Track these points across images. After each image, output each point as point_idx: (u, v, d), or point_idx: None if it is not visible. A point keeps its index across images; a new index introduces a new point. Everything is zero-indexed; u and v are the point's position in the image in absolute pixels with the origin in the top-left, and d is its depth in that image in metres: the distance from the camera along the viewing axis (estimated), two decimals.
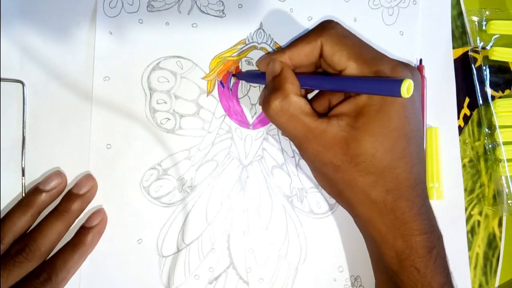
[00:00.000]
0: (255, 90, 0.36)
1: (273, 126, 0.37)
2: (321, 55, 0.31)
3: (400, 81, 0.25)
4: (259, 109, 0.37)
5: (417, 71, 0.31)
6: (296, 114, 0.29)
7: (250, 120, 0.37)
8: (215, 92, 0.36)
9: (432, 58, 0.39)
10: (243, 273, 0.36)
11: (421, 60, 0.38)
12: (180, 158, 0.36)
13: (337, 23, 0.31)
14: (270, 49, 0.37)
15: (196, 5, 0.36)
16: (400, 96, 0.25)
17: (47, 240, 0.32)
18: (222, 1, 0.36)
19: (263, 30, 0.37)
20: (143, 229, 0.35)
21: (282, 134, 0.37)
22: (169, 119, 0.36)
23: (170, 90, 0.36)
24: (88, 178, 0.34)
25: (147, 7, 0.36)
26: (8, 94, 0.35)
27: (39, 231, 0.32)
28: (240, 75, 0.36)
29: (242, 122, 0.36)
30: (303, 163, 0.37)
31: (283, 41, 0.37)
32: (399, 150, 0.28)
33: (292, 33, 0.37)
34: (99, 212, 0.34)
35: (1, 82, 0.35)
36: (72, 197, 0.33)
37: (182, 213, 0.35)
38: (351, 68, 0.29)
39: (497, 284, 0.39)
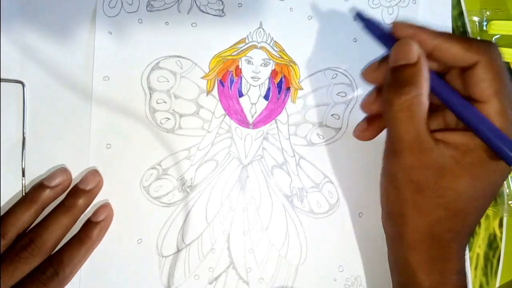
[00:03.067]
0: (255, 90, 0.36)
1: (273, 126, 0.37)
2: (465, 69, 0.27)
3: None
4: (259, 108, 0.36)
5: None
6: (418, 119, 0.26)
7: (250, 119, 0.36)
8: (215, 91, 0.36)
9: None
10: (243, 273, 0.35)
11: None
12: (180, 157, 0.36)
13: (500, 53, 0.28)
14: (270, 49, 0.36)
15: (196, 4, 0.36)
16: (509, 166, 0.26)
17: (52, 235, 0.32)
18: (221, 0, 0.36)
19: (263, 29, 0.37)
20: (143, 229, 0.35)
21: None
22: (168, 118, 0.36)
23: (170, 90, 0.36)
24: (94, 173, 0.34)
25: (146, 6, 0.36)
26: (8, 94, 0.35)
27: (44, 226, 0.32)
28: (369, 26, 0.30)
29: (242, 121, 0.36)
30: (303, 162, 0.37)
31: (283, 40, 0.37)
32: (484, 200, 0.29)
33: (292, 32, 0.37)
34: (106, 206, 0.34)
35: (1, 83, 0.35)
36: (79, 192, 0.33)
37: (182, 213, 0.35)
38: (493, 106, 0.26)
39: (497, 284, 0.38)
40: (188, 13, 0.36)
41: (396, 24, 0.28)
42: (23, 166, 0.34)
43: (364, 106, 0.31)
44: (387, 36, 0.29)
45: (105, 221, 0.34)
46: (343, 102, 0.37)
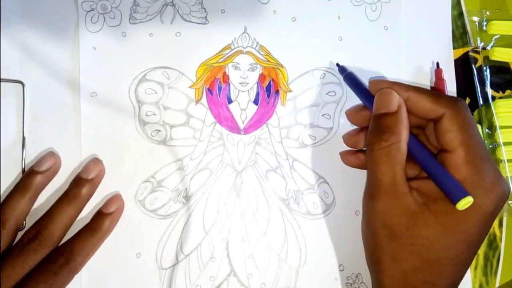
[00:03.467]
0: (244, 95, 0.36)
1: (265, 130, 0.37)
2: (435, 121, 0.29)
3: (463, 195, 0.27)
4: (249, 113, 0.36)
5: (506, 186, 0.29)
6: (396, 164, 0.28)
7: (241, 125, 0.36)
8: (204, 99, 0.36)
9: (432, 58, 0.39)
10: (244, 280, 0.35)
11: (437, 64, 0.38)
12: (173, 169, 0.35)
13: (468, 107, 0.30)
14: (256, 53, 0.36)
15: (179, 13, 0.36)
16: (454, 204, 0.27)
17: (58, 226, 0.32)
18: (204, 8, 0.36)
19: (247, 34, 0.36)
20: (141, 243, 0.35)
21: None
22: (159, 130, 0.35)
23: (159, 102, 0.36)
24: (95, 162, 0.34)
25: (129, 19, 0.35)
26: (8, 94, 0.35)
27: (50, 218, 0.32)
28: (348, 79, 0.35)
29: (233, 128, 0.36)
30: (297, 164, 0.37)
31: (268, 44, 0.37)
32: (458, 251, 0.28)
33: (277, 35, 0.37)
34: (117, 198, 0.34)
35: (1, 83, 0.34)
36: (81, 182, 0.33)
37: (180, 224, 0.35)
38: (458, 156, 0.28)
39: (497, 284, 0.39)
40: (171, 23, 0.36)
41: (372, 82, 0.32)
42: (23, 166, 0.34)
43: (345, 139, 0.35)
44: (364, 89, 0.33)
45: (116, 212, 0.34)
46: (333, 102, 0.37)
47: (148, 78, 0.35)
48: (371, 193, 0.29)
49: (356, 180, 0.36)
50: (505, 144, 0.39)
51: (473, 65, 0.40)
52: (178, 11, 0.36)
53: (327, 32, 0.37)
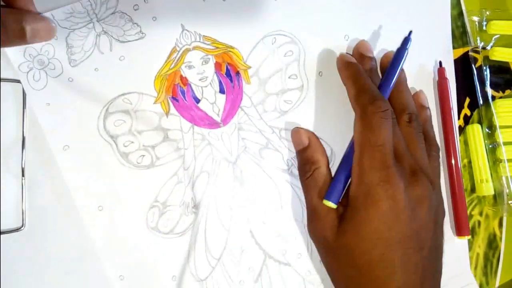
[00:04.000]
0: (208, 89, 0.36)
1: (241, 114, 0.36)
2: None
3: (328, 197, 0.32)
4: (220, 104, 0.36)
5: (421, 185, 0.31)
6: (321, 188, 0.33)
7: (218, 118, 0.36)
8: (173, 109, 0.36)
9: (432, 58, 0.39)
10: (281, 258, 0.36)
11: (440, 63, 0.39)
12: (172, 185, 0.35)
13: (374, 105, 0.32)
14: (202, 45, 0.36)
15: (114, 38, 0.35)
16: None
17: None
18: (136, 23, 0.35)
19: (187, 30, 0.36)
20: (171, 266, 0.35)
21: None
22: (143, 155, 0.35)
23: (131, 129, 0.35)
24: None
25: (69, 63, 0.34)
26: (8, 94, 0.34)
27: None
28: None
29: (212, 124, 0.36)
30: (284, 133, 0.37)
31: (210, 31, 0.36)
32: (378, 252, 0.29)
33: (215, 20, 0.36)
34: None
35: (0, 82, 0.34)
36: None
37: (200, 233, 0.35)
38: (355, 154, 0.32)
39: (497, 284, 0.39)
40: (111, 50, 0.35)
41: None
42: (23, 166, 0.34)
43: None
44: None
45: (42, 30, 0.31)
46: (294, 60, 0.37)
47: (111, 110, 0.35)
48: (308, 218, 0.34)
49: (346, 125, 0.37)
50: (505, 144, 0.39)
51: (473, 65, 0.40)
52: (112, 36, 0.35)
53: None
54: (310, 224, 0.33)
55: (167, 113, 0.36)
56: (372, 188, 0.29)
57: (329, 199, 0.32)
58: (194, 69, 0.36)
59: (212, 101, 0.36)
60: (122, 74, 0.35)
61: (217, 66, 0.36)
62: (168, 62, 0.36)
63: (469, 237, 0.37)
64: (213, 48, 0.36)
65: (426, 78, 0.39)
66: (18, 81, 0.34)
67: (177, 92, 0.36)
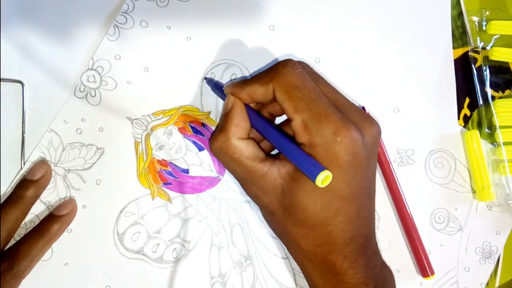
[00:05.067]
0: (188, 155, 0.35)
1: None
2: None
3: (318, 170, 0.26)
4: (207, 160, 0.36)
5: (373, 125, 0.29)
6: (236, 157, 0.29)
7: (213, 173, 0.36)
8: (172, 193, 0.35)
9: (432, 58, 0.39)
10: None
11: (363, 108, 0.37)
12: (216, 256, 0.35)
13: (293, 66, 0.29)
14: (153, 123, 0.35)
15: (78, 170, 0.34)
16: (314, 183, 0.26)
17: (3, 230, 0.31)
18: (90, 144, 0.34)
19: (135, 119, 0.35)
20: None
21: None
22: (175, 248, 0.35)
23: (149, 235, 0.35)
24: (41, 164, 0.34)
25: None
26: (8, 94, 0.34)
27: None
28: (209, 82, 0.35)
29: (212, 182, 0.36)
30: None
31: (157, 107, 0.35)
32: (333, 209, 0.28)
33: (151, 99, 0.35)
34: (70, 202, 0.34)
35: (1, 82, 0.34)
36: (26, 183, 0.33)
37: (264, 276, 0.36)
38: (297, 122, 0.28)
39: (497, 284, 0.39)
40: (85, 182, 0.34)
41: (224, 88, 0.32)
42: (23, 166, 0.34)
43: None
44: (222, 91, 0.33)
45: (67, 216, 0.33)
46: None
47: (121, 231, 0.34)
48: (241, 185, 0.32)
49: None
50: (505, 144, 0.38)
51: (472, 65, 0.39)
52: (77, 168, 0.34)
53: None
54: (247, 190, 0.31)
55: (169, 200, 0.35)
56: (329, 145, 0.27)
57: (321, 170, 0.26)
58: (164, 147, 0.35)
59: (199, 163, 0.36)
60: (107, 192, 0.35)
61: (182, 130, 0.36)
62: (140, 158, 0.35)
63: (434, 276, 0.36)
64: (168, 118, 0.35)
65: (425, 78, 0.39)
66: (18, 81, 0.34)
67: (165, 177, 0.35)
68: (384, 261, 0.33)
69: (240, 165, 0.29)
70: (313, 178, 0.26)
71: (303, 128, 0.27)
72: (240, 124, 0.30)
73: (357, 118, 0.29)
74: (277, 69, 0.29)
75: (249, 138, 0.31)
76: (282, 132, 0.30)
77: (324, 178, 0.26)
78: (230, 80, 0.36)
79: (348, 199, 0.28)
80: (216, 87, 0.34)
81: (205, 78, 0.36)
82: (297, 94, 0.28)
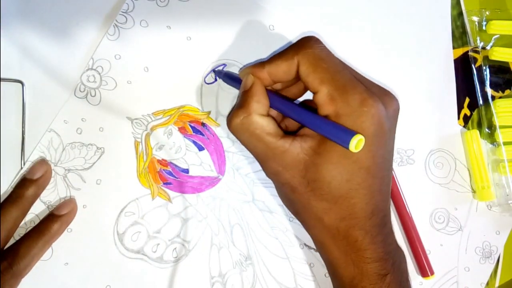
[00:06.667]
0: (189, 154, 0.36)
1: (231, 155, 0.36)
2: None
3: (351, 135, 0.25)
4: (207, 161, 0.36)
5: (394, 99, 0.30)
6: (257, 133, 0.29)
7: (214, 173, 0.36)
8: (172, 193, 0.35)
9: (432, 58, 0.39)
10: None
11: None
12: (216, 255, 0.35)
13: (316, 41, 0.30)
14: (158, 122, 0.35)
15: (78, 170, 0.34)
16: (348, 149, 0.25)
17: (3, 229, 0.31)
18: (90, 144, 0.34)
19: (135, 119, 0.35)
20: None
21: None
22: (174, 248, 0.35)
23: (149, 234, 0.35)
24: (41, 162, 0.34)
25: None
26: (8, 94, 0.34)
27: None
28: (219, 74, 0.35)
29: (212, 182, 0.36)
30: None
31: (157, 106, 0.35)
32: (357, 181, 0.28)
33: (152, 98, 0.35)
34: (70, 202, 0.34)
35: (1, 82, 0.34)
36: (26, 183, 0.33)
37: (264, 276, 0.36)
38: (322, 93, 0.28)
39: (497, 284, 0.39)
40: (84, 182, 0.34)
41: (240, 72, 0.32)
42: (23, 166, 0.34)
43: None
44: (236, 78, 0.33)
45: (67, 215, 0.33)
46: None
47: (121, 231, 0.34)
48: (260, 163, 0.31)
49: None
50: (505, 144, 0.38)
51: (472, 65, 0.39)
52: (77, 168, 0.34)
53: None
54: (266, 168, 0.31)
55: (169, 200, 0.35)
56: (355, 115, 0.27)
57: (352, 135, 0.26)
58: (164, 146, 0.35)
59: (199, 163, 0.36)
60: (107, 192, 0.34)
61: (182, 130, 0.36)
62: (140, 158, 0.35)
63: (434, 276, 0.37)
64: (168, 118, 0.35)
65: (425, 78, 0.39)
66: (18, 81, 0.34)
67: (165, 177, 0.35)
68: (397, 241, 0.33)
69: (262, 140, 0.29)
70: (345, 144, 0.25)
71: (329, 99, 0.28)
72: (261, 101, 0.30)
73: (378, 92, 0.29)
74: (302, 43, 0.29)
75: (269, 115, 0.30)
76: (305, 107, 0.30)
77: (357, 143, 0.25)
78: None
79: (372, 170, 0.28)
80: (228, 76, 0.34)
81: (214, 71, 0.36)
82: (323, 65, 0.28)
